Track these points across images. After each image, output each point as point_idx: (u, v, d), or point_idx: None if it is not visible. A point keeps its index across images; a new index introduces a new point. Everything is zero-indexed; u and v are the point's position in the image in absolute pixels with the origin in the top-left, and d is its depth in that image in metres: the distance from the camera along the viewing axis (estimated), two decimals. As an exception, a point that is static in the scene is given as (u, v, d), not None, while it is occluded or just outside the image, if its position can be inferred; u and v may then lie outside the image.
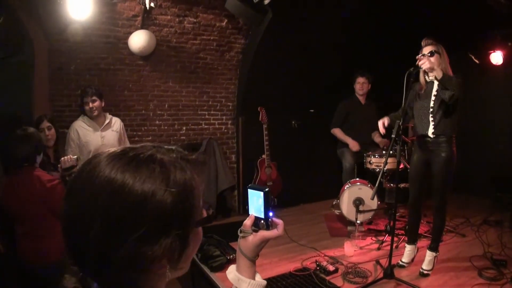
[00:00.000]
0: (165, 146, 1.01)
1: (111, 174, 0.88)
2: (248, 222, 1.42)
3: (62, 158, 3.50)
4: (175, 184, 0.92)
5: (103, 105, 4.81)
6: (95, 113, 4.71)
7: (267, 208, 1.39)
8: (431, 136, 4.13)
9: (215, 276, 4.17)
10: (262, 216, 1.40)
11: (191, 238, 0.99)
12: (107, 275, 0.89)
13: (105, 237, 0.85)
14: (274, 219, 1.41)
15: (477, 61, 6.73)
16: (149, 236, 0.87)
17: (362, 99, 6.29)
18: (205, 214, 1.06)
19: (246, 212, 4.98)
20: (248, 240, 1.40)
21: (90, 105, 4.67)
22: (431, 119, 4.11)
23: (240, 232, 1.43)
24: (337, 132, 6.30)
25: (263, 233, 1.40)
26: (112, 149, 0.97)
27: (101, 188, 0.87)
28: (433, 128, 4.10)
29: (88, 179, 0.90)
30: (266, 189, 1.39)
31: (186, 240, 0.96)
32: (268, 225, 1.40)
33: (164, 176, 0.91)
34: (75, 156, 3.58)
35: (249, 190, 1.45)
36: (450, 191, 5.96)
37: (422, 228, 4.87)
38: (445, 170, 4.06)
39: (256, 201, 1.42)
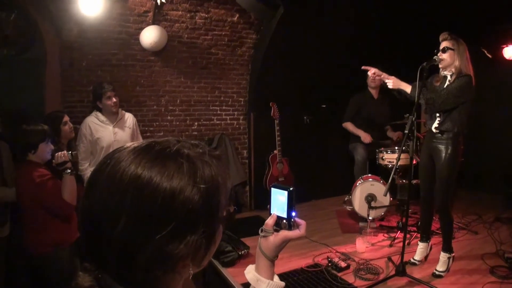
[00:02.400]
0: (190, 141, 0.98)
1: (138, 169, 0.85)
2: (270, 221, 1.40)
3: (56, 154, 3.51)
4: (203, 180, 0.89)
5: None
6: (114, 109, 4.71)
7: (290, 208, 1.37)
8: (435, 131, 4.09)
9: (226, 271, 4.17)
10: (285, 215, 1.38)
11: (217, 235, 0.98)
12: (130, 274, 0.86)
13: (130, 236, 0.83)
14: (297, 219, 1.39)
15: (489, 56, 6.64)
16: (176, 234, 0.85)
17: (374, 93, 6.23)
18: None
19: (257, 208, 5.02)
20: (269, 240, 1.38)
21: (114, 99, 4.66)
22: (437, 114, 4.07)
23: (261, 231, 1.40)
24: (349, 125, 6.25)
25: (285, 233, 1.37)
26: (136, 143, 0.94)
27: (127, 184, 0.84)
28: (438, 123, 4.06)
29: (112, 174, 0.87)
30: (291, 189, 1.37)
31: (213, 237, 0.95)
32: (291, 225, 1.38)
33: (192, 172, 0.89)
34: (69, 152, 3.57)
35: (272, 189, 1.43)
36: (459, 188, 5.94)
37: (435, 225, 4.82)
38: (446, 168, 3.99)
39: (279, 201, 1.40)
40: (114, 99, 4.65)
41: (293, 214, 1.38)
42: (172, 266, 0.89)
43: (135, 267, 0.85)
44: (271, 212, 1.42)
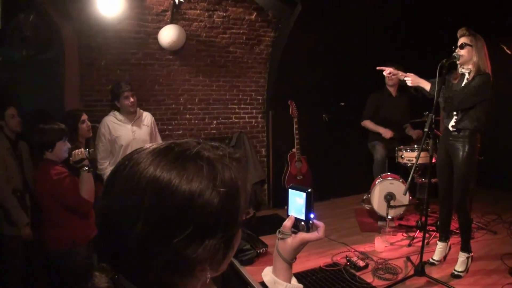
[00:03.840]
0: (210, 143, 0.96)
1: (157, 172, 0.84)
2: (288, 223, 1.37)
3: (73, 152, 3.54)
4: (223, 183, 0.88)
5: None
6: (132, 109, 4.73)
7: (308, 209, 1.34)
8: (452, 129, 4.04)
9: (245, 270, 4.18)
10: (303, 217, 1.35)
11: (235, 239, 0.97)
12: (146, 277, 0.85)
13: (147, 239, 0.82)
14: (315, 221, 1.36)
15: (509, 52, 6.52)
16: (194, 238, 0.84)
17: (393, 91, 6.18)
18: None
19: (276, 206, 5.01)
20: (287, 242, 1.36)
21: (131, 99, 4.67)
22: (454, 112, 4.03)
23: (279, 233, 1.38)
24: (368, 123, 6.21)
25: (303, 235, 1.35)
26: (155, 144, 0.93)
27: (145, 186, 0.83)
28: (455, 121, 4.01)
29: (130, 176, 0.86)
30: (309, 190, 1.34)
31: (231, 242, 0.94)
32: (309, 227, 1.35)
33: (211, 175, 0.87)
34: (87, 149, 3.60)
35: (290, 190, 1.40)
36: (478, 187, 5.84)
37: (454, 225, 4.75)
38: (464, 167, 3.95)
39: (297, 202, 1.37)
40: (131, 99, 4.68)
41: (312, 216, 1.35)
42: (190, 270, 0.88)
43: (151, 270, 0.84)
44: (289, 214, 1.40)
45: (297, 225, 1.37)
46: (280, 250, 1.37)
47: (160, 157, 0.87)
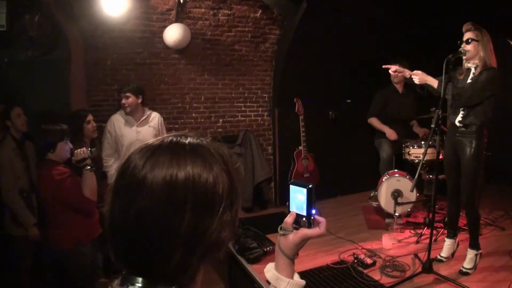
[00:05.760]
0: (194, 134, 1.01)
1: (188, 168, 0.89)
2: (289, 219, 1.37)
3: (75, 151, 3.56)
4: (226, 162, 0.97)
5: (139, 101, 4.82)
6: (127, 109, 4.77)
7: (310, 205, 1.34)
8: (459, 125, 4.01)
9: (251, 268, 4.18)
10: (304, 213, 1.35)
11: (239, 209, 1.02)
12: (181, 272, 0.90)
13: (195, 229, 0.87)
14: (317, 217, 1.36)
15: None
16: (224, 216, 0.92)
17: (399, 88, 6.14)
18: None
19: (282, 204, 5.03)
20: (289, 238, 1.36)
21: (123, 101, 4.74)
22: (461, 108, 3.99)
23: (281, 229, 1.38)
24: (374, 121, 6.18)
25: (305, 231, 1.34)
26: (157, 142, 0.97)
27: (182, 186, 0.88)
28: (462, 117, 3.98)
29: (160, 178, 0.87)
30: (310, 186, 1.34)
31: (238, 212, 1.00)
32: (310, 223, 1.35)
33: (219, 157, 0.96)
34: (89, 149, 3.61)
35: (291, 186, 1.40)
36: (486, 182, 5.81)
37: (462, 221, 4.72)
38: (472, 164, 3.92)
39: (298, 198, 1.37)
40: (123, 101, 4.76)
41: (313, 211, 1.35)
42: (222, 248, 0.95)
43: (191, 260, 0.89)
44: (290, 210, 1.39)
45: (298, 221, 1.37)
46: (281, 247, 1.37)
47: (181, 153, 0.92)
